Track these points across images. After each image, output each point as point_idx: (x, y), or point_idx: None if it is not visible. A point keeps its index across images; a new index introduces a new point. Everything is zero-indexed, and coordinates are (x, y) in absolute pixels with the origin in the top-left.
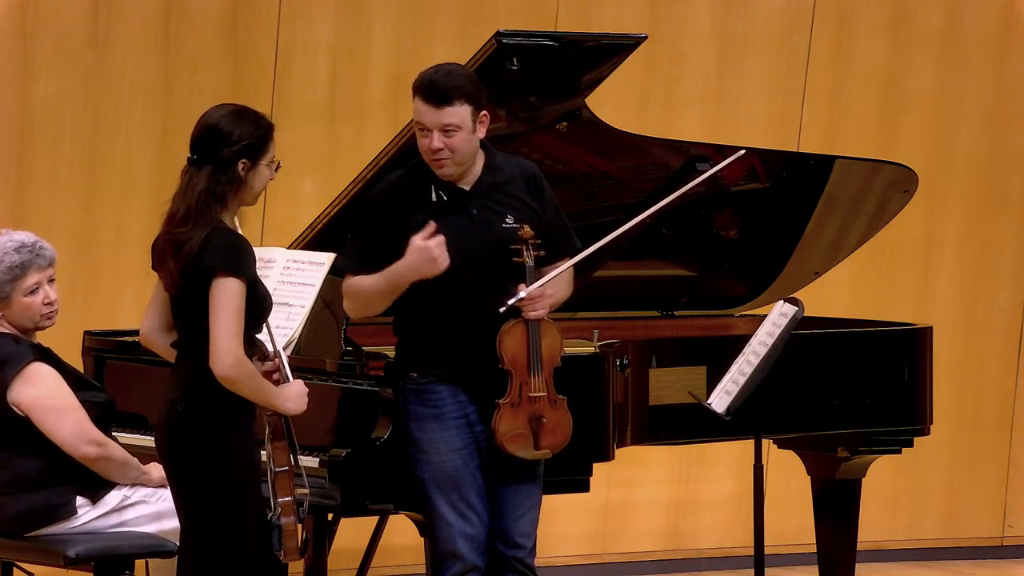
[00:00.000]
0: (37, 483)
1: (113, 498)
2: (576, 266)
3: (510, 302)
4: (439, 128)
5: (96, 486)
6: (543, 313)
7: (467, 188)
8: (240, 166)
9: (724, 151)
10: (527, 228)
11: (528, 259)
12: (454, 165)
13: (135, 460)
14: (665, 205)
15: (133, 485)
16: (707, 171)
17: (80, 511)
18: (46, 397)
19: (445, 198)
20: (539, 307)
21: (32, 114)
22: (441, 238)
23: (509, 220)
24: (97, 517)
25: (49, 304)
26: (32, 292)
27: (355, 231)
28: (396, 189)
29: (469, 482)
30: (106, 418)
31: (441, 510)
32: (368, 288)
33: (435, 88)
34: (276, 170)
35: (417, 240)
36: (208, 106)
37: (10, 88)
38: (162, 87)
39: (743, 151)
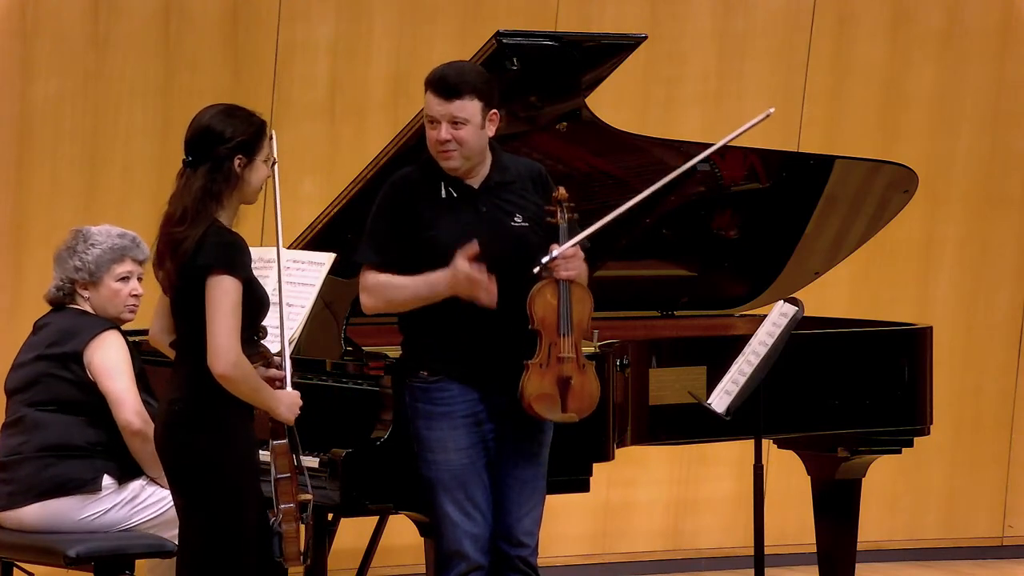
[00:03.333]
0: (76, 453)
1: (135, 488)
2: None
3: (544, 260)
4: (448, 120)
5: (124, 472)
6: (574, 274)
7: (476, 186)
8: (236, 162)
9: (724, 151)
10: (562, 190)
11: (562, 220)
12: (461, 158)
13: None
14: (679, 175)
15: (153, 482)
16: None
17: (104, 491)
18: (115, 360)
19: (455, 195)
20: (571, 267)
21: (32, 114)
22: (489, 279)
23: (518, 219)
24: (115, 506)
25: (135, 296)
26: (123, 279)
27: (367, 225)
28: (405, 184)
29: (475, 481)
30: None
31: (447, 509)
32: (405, 294)
33: (446, 81)
34: (273, 166)
35: (463, 266)
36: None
37: (10, 88)
38: (162, 87)
39: (771, 110)
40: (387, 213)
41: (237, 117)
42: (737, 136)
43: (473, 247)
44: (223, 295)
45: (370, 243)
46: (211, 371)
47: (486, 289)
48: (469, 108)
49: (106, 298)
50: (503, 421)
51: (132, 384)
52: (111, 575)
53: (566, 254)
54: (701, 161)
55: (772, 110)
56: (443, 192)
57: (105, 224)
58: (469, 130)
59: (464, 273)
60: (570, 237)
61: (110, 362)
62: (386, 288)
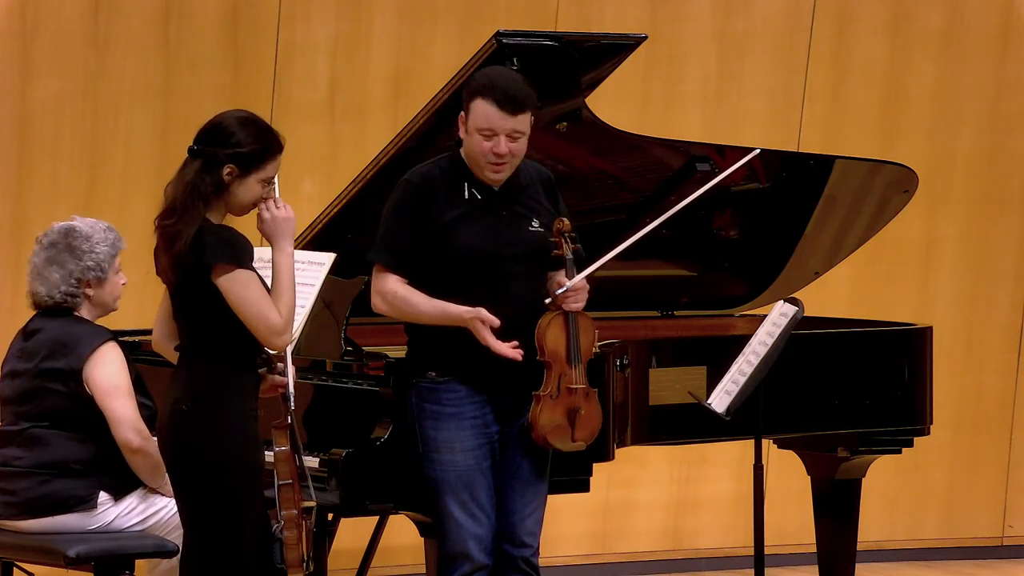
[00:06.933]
0: (73, 472)
1: (134, 500)
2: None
3: (558, 292)
4: (507, 133)
5: (121, 486)
6: (581, 305)
7: (497, 189)
8: (227, 171)
9: (724, 151)
10: (566, 221)
11: (567, 251)
12: (509, 170)
13: (164, 469)
14: (684, 207)
15: (153, 492)
16: (719, 173)
17: (101, 507)
18: (113, 376)
19: (479, 196)
20: (579, 299)
21: (32, 114)
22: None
23: (535, 224)
24: (115, 518)
25: (124, 285)
26: (118, 271)
27: (383, 223)
28: (425, 184)
29: (480, 482)
30: (148, 427)
31: (451, 510)
32: (418, 315)
33: (510, 96)
34: (267, 188)
35: (487, 335)
36: (208, 106)
37: (10, 88)
38: (162, 87)
39: (757, 151)
40: (405, 212)
41: (251, 127)
42: (722, 178)
43: (494, 321)
44: (243, 287)
45: (385, 243)
46: (274, 350)
47: (500, 351)
48: (526, 122)
49: (108, 292)
50: (510, 423)
51: (131, 400)
52: (111, 575)
53: (576, 287)
54: (700, 161)
55: (758, 150)
56: (466, 193)
57: (84, 218)
58: (523, 142)
59: (483, 339)
60: (575, 267)
61: (109, 380)
62: (402, 303)
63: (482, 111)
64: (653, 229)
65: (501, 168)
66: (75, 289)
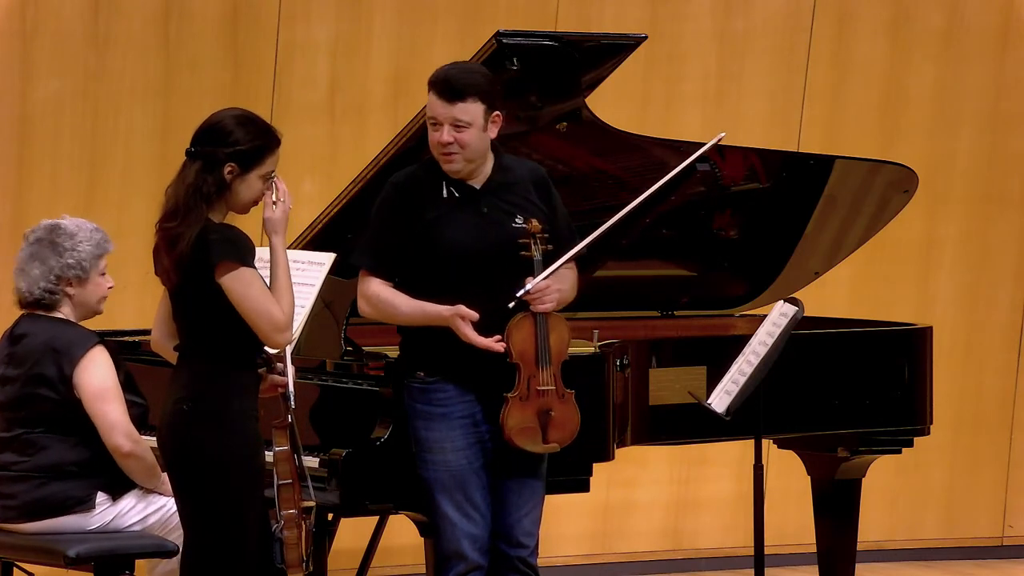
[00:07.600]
0: (69, 474)
1: (132, 500)
2: (579, 265)
3: (518, 295)
4: (450, 123)
5: (118, 486)
6: (551, 306)
7: (478, 187)
8: (227, 170)
9: (724, 151)
10: (535, 222)
11: (536, 253)
12: (463, 161)
13: (159, 469)
14: (656, 190)
15: (150, 492)
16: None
17: (99, 507)
18: (101, 380)
19: (457, 195)
20: (547, 300)
21: (32, 114)
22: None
23: (519, 220)
24: (113, 518)
25: (110, 288)
26: (103, 273)
27: (369, 225)
28: (409, 184)
29: (474, 482)
30: (140, 424)
31: (445, 510)
32: (401, 317)
33: (449, 83)
34: (268, 183)
35: (467, 330)
36: (208, 106)
37: (10, 88)
38: (162, 87)
39: (722, 135)
40: (388, 214)
41: (249, 125)
42: (691, 162)
43: (473, 315)
44: (247, 285)
45: (369, 247)
46: (276, 347)
47: (482, 345)
48: (472, 111)
49: (91, 293)
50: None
51: (120, 404)
52: (111, 575)
53: (539, 287)
54: (700, 161)
55: (723, 134)
56: (445, 192)
57: (73, 218)
58: (471, 133)
59: (464, 335)
60: (544, 268)
61: (99, 384)
62: (386, 306)
63: (429, 101)
64: (609, 229)
65: (451, 159)
66: (54, 286)
